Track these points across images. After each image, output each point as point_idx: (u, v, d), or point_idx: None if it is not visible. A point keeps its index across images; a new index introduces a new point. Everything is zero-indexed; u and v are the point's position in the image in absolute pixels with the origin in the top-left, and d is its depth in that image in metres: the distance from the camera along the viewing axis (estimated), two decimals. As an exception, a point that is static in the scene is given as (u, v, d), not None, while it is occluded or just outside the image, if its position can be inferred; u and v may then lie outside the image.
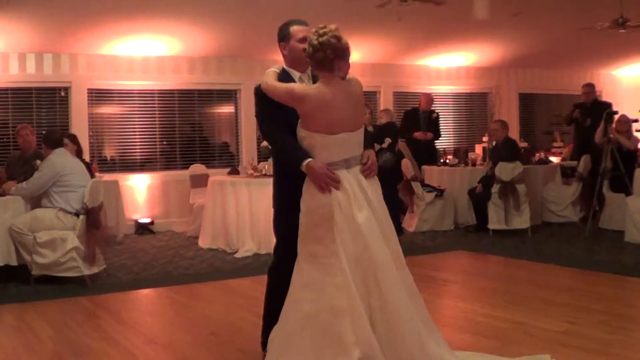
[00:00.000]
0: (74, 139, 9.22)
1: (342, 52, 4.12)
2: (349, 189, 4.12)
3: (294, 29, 4.39)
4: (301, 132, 4.22)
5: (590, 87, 11.92)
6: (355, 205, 4.10)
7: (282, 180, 4.46)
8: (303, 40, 4.27)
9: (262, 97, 4.34)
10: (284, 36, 4.44)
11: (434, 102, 13.42)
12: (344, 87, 4.19)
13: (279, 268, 4.39)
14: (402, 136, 12.00)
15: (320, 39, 4.07)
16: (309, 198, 4.21)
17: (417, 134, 12.15)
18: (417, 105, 12.71)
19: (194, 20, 10.56)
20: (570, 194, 11.12)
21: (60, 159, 7.67)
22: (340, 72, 4.17)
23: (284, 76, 4.38)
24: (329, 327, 3.98)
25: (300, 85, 4.28)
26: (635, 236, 9.11)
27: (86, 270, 7.42)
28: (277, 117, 4.30)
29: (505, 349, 4.83)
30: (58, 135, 8.02)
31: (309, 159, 4.17)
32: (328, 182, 4.11)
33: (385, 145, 9.88)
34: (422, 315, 4.26)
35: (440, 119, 12.74)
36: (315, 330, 4.02)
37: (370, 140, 4.51)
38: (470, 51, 13.96)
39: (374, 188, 4.26)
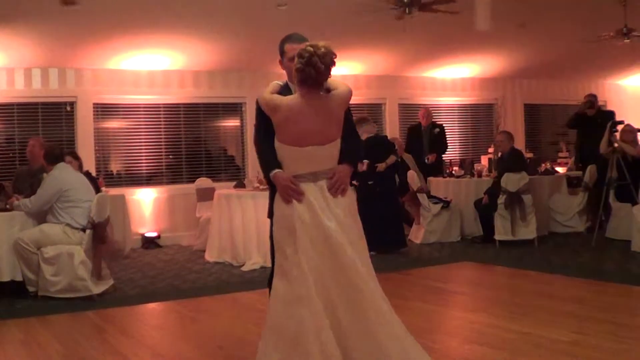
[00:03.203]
0: (75, 156, 9.27)
1: (330, 70, 4.16)
2: (313, 202, 4.14)
3: (287, 47, 4.48)
4: (275, 143, 4.28)
5: (592, 97, 11.92)
6: (322, 215, 4.12)
7: (275, 191, 4.46)
8: (293, 59, 4.26)
9: (259, 107, 4.41)
10: (280, 52, 4.50)
11: (440, 115, 13.49)
12: (319, 101, 4.20)
13: None
14: (409, 152, 12.00)
15: (324, 61, 4.09)
16: (276, 209, 4.28)
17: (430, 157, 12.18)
18: (419, 121, 12.68)
19: (199, 34, 10.60)
20: (576, 204, 11.12)
21: (63, 174, 7.68)
22: (324, 87, 4.21)
23: (284, 89, 4.44)
24: (295, 338, 4.00)
25: (278, 96, 4.30)
26: (642, 246, 9.10)
27: (95, 289, 7.42)
28: (267, 127, 4.34)
29: (513, 360, 4.83)
30: (58, 151, 8.00)
31: (277, 170, 4.26)
32: (290, 194, 4.16)
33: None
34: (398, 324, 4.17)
35: (444, 130, 12.68)
36: (284, 341, 4.05)
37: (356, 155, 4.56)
38: (476, 62, 13.98)
39: (342, 203, 4.23)
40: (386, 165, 9.91)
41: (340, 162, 4.34)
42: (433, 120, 12.62)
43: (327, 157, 4.27)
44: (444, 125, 12.92)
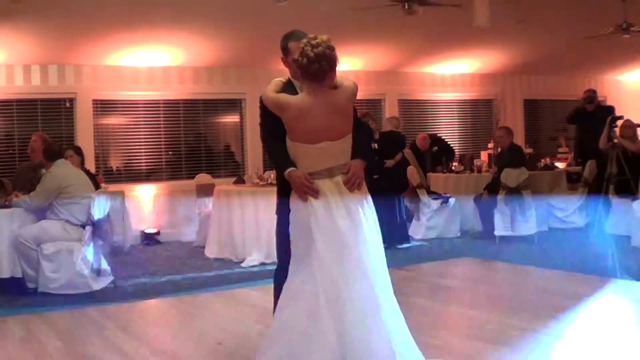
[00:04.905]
0: (78, 151, 9.23)
1: (335, 63, 4.14)
2: (330, 198, 4.13)
3: (292, 45, 4.42)
4: (287, 142, 4.27)
5: (592, 93, 11.91)
6: (337, 213, 4.11)
7: (283, 188, 4.46)
8: None
9: (263, 105, 4.38)
10: (283, 50, 4.49)
11: (440, 110, 13.50)
12: (327, 96, 4.19)
13: (280, 270, 4.43)
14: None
15: (315, 50, 4.07)
16: (293, 207, 4.26)
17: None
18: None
19: (198, 30, 10.59)
20: (576, 199, 11.11)
21: (62, 170, 7.67)
22: (330, 82, 4.19)
23: (287, 86, 4.41)
24: (304, 334, 3.98)
25: (285, 95, 4.28)
26: (641, 241, 9.08)
27: (94, 285, 7.42)
28: (274, 125, 4.32)
29: (513, 356, 4.82)
30: (57, 147, 8.01)
31: (291, 168, 4.24)
32: (306, 191, 4.15)
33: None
34: (402, 333, 4.17)
35: (443, 141, 13.17)
36: (292, 336, 4.04)
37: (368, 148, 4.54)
38: (475, 58, 13.96)
39: (358, 199, 4.23)
40: (394, 162, 9.98)
41: (352, 157, 4.33)
42: (430, 134, 12.94)
43: (340, 152, 4.26)
44: (441, 136, 13.41)
